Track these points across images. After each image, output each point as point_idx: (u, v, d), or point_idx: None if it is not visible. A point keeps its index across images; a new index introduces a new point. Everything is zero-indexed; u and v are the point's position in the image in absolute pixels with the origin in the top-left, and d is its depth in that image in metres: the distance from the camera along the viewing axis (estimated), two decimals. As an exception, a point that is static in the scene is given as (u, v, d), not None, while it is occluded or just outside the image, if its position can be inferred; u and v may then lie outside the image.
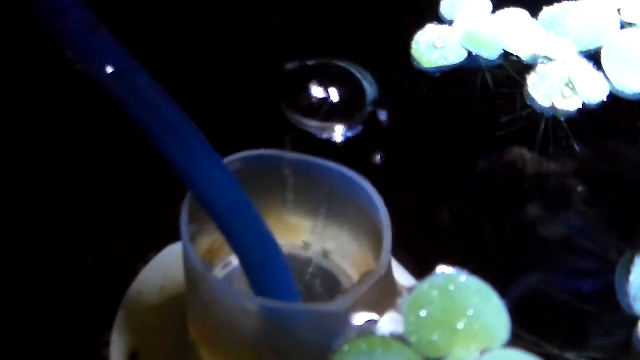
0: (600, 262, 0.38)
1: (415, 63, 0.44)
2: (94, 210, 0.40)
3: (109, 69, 0.27)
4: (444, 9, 0.46)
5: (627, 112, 0.43)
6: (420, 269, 0.33)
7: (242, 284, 0.31)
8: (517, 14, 0.45)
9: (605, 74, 0.43)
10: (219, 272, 0.34)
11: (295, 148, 0.33)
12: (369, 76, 0.43)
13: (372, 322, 0.30)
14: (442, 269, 0.30)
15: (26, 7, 0.27)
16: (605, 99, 0.42)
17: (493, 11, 0.46)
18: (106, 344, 0.35)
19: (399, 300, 0.30)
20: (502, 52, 0.44)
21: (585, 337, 0.36)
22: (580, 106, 0.42)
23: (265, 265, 0.30)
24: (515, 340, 0.29)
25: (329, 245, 0.35)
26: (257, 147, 0.33)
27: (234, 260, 0.34)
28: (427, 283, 0.30)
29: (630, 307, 0.36)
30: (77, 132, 0.42)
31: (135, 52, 0.28)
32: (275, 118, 0.42)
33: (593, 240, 0.39)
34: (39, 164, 0.41)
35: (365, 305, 0.30)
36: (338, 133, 0.41)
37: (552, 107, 0.42)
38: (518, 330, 0.30)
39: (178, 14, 0.47)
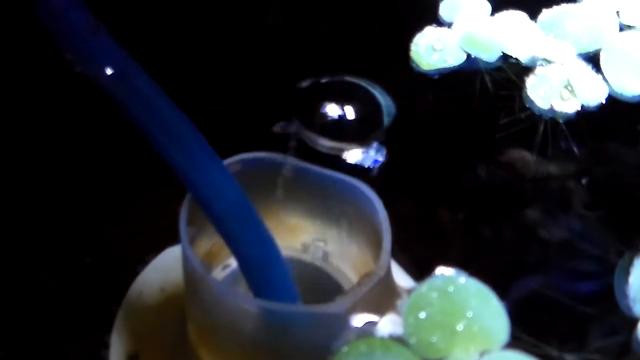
0: (600, 264, 0.38)
1: (414, 65, 0.44)
2: (93, 212, 0.40)
3: (109, 71, 0.27)
4: (443, 12, 0.46)
5: (626, 115, 0.43)
6: (420, 270, 0.33)
7: (241, 286, 0.31)
8: (516, 17, 0.45)
9: (604, 77, 0.43)
10: (218, 274, 0.34)
11: (297, 154, 0.33)
12: (387, 96, 0.42)
13: (372, 323, 0.30)
14: (441, 270, 0.30)
15: (27, 10, 0.27)
16: (604, 102, 0.42)
17: (492, 14, 0.46)
18: (106, 346, 0.35)
19: (399, 302, 0.30)
20: (501, 54, 0.44)
21: (585, 339, 0.36)
22: (580, 108, 0.42)
23: (264, 267, 0.30)
24: (515, 342, 0.29)
25: (329, 247, 0.35)
26: (258, 149, 0.33)
27: (233, 262, 0.34)
28: (426, 285, 0.30)
29: (629, 308, 0.36)
30: (77, 134, 0.42)
31: (135, 53, 0.28)
32: (275, 119, 0.42)
33: (592, 242, 0.39)
34: (39, 165, 0.41)
35: (364, 307, 0.30)
36: (355, 154, 0.40)
37: (551, 110, 0.42)
38: (517, 332, 0.30)
39: (178, 15, 0.47)
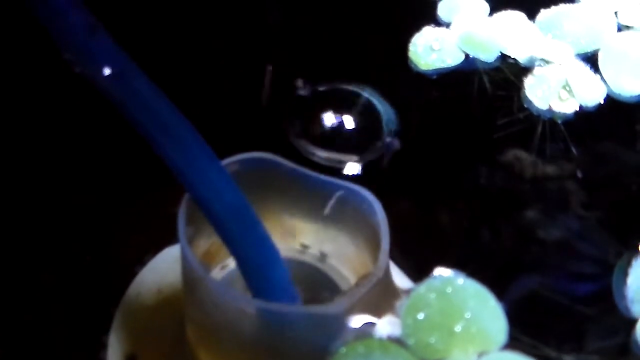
0: (598, 265, 0.38)
1: (412, 65, 0.44)
2: (91, 213, 0.40)
3: (108, 71, 0.27)
4: (442, 12, 0.46)
5: (625, 115, 0.43)
6: (418, 271, 0.33)
7: (240, 286, 0.31)
8: (514, 17, 0.45)
9: (602, 77, 0.43)
10: (216, 274, 0.34)
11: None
12: (387, 106, 0.42)
13: (370, 324, 0.30)
14: (439, 271, 0.30)
15: (26, 10, 0.27)
16: (602, 102, 0.42)
17: (490, 14, 0.46)
18: (104, 346, 0.35)
19: (397, 303, 0.30)
20: (500, 54, 0.44)
21: (583, 339, 0.36)
22: (578, 109, 0.42)
23: (263, 267, 0.30)
24: (513, 343, 0.29)
25: (327, 248, 0.35)
26: (256, 150, 0.33)
27: (232, 263, 0.34)
28: (424, 286, 0.30)
29: (627, 309, 0.36)
30: (75, 134, 0.42)
31: (133, 54, 0.28)
32: (274, 120, 0.42)
33: (590, 242, 0.39)
34: (38, 166, 0.41)
35: (363, 308, 0.30)
36: (353, 166, 0.40)
37: (550, 110, 0.42)
38: (516, 333, 0.30)
39: (177, 16, 0.47)
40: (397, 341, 0.29)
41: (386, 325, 0.29)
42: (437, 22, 0.46)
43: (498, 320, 0.29)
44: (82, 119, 0.42)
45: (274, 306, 0.30)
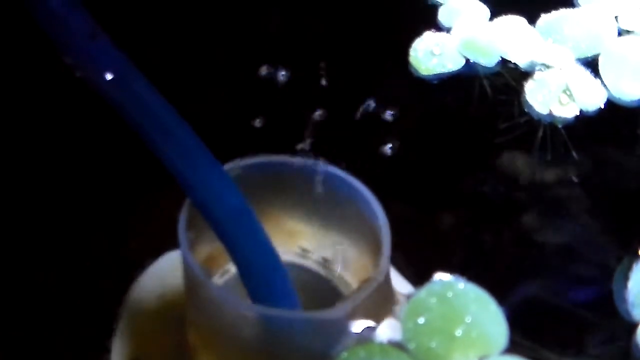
0: (599, 269, 0.38)
1: (413, 70, 0.44)
2: (93, 217, 0.40)
3: (108, 75, 0.27)
4: (442, 16, 0.46)
5: (625, 120, 0.43)
6: (419, 276, 0.33)
7: (240, 292, 0.31)
8: (515, 22, 0.45)
9: (603, 81, 0.43)
10: (217, 279, 0.34)
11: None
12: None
13: (371, 329, 0.30)
14: (440, 276, 0.30)
15: (26, 13, 0.27)
16: (603, 106, 0.42)
17: (491, 18, 0.46)
18: (107, 350, 0.35)
19: (398, 308, 0.30)
20: (500, 59, 0.44)
21: (584, 344, 0.36)
22: (578, 113, 0.42)
23: (263, 272, 0.30)
24: (514, 347, 0.29)
25: (328, 252, 0.35)
26: (257, 154, 0.33)
27: (233, 268, 0.34)
28: (425, 290, 0.30)
29: (628, 313, 0.36)
30: (76, 138, 0.42)
31: (134, 58, 0.28)
32: (274, 122, 0.42)
33: (591, 247, 0.39)
34: (39, 169, 0.41)
35: (363, 313, 0.30)
36: None
37: (550, 115, 0.42)
38: (516, 337, 0.29)
39: (177, 19, 0.47)
40: (398, 345, 0.29)
41: (387, 330, 0.29)
42: (438, 27, 0.46)
43: (499, 325, 0.29)
44: (83, 122, 0.43)
45: (275, 311, 0.30)
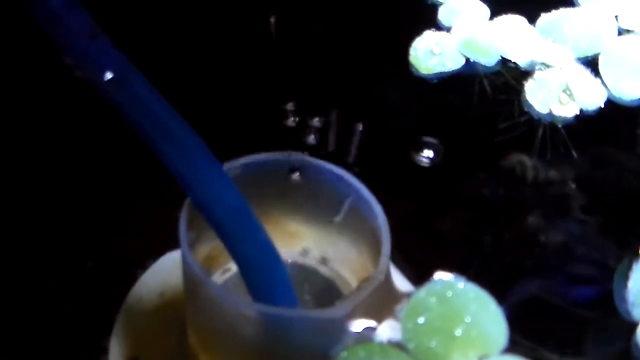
0: (599, 269, 0.38)
1: (413, 70, 0.44)
2: (93, 216, 0.40)
3: (108, 75, 0.27)
4: (442, 16, 0.46)
5: (625, 119, 0.43)
6: (419, 275, 0.33)
7: (241, 291, 0.31)
8: (515, 21, 0.45)
9: (602, 81, 0.43)
10: (217, 278, 0.34)
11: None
12: None
13: (370, 329, 0.30)
14: (440, 275, 0.30)
15: (26, 13, 0.27)
16: (603, 106, 0.42)
17: (491, 18, 0.46)
18: (105, 350, 0.35)
19: (397, 307, 0.30)
20: (500, 58, 0.44)
21: (584, 343, 0.36)
22: (578, 113, 0.42)
23: (264, 271, 0.30)
24: (513, 347, 0.29)
25: (328, 251, 0.35)
26: (257, 153, 0.33)
27: (233, 267, 0.34)
28: (425, 290, 0.30)
29: (628, 313, 0.36)
30: (76, 138, 0.42)
31: (134, 58, 0.28)
32: (275, 123, 0.42)
33: (591, 246, 0.39)
34: (40, 170, 0.41)
35: (363, 312, 0.30)
36: None
37: (550, 114, 0.42)
38: (516, 337, 0.29)
39: (177, 19, 0.47)
40: (398, 345, 0.29)
41: (386, 329, 0.29)
42: (438, 26, 0.46)
43: (498, 324, 0.29)
44: (83, 122, 0.43)
45: (275, 310, 0.30)
